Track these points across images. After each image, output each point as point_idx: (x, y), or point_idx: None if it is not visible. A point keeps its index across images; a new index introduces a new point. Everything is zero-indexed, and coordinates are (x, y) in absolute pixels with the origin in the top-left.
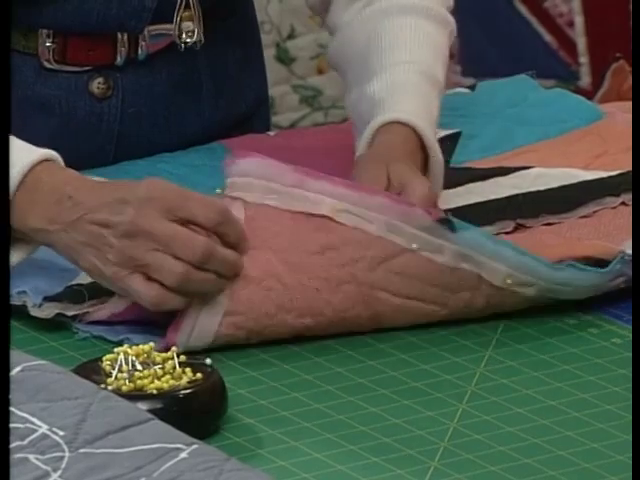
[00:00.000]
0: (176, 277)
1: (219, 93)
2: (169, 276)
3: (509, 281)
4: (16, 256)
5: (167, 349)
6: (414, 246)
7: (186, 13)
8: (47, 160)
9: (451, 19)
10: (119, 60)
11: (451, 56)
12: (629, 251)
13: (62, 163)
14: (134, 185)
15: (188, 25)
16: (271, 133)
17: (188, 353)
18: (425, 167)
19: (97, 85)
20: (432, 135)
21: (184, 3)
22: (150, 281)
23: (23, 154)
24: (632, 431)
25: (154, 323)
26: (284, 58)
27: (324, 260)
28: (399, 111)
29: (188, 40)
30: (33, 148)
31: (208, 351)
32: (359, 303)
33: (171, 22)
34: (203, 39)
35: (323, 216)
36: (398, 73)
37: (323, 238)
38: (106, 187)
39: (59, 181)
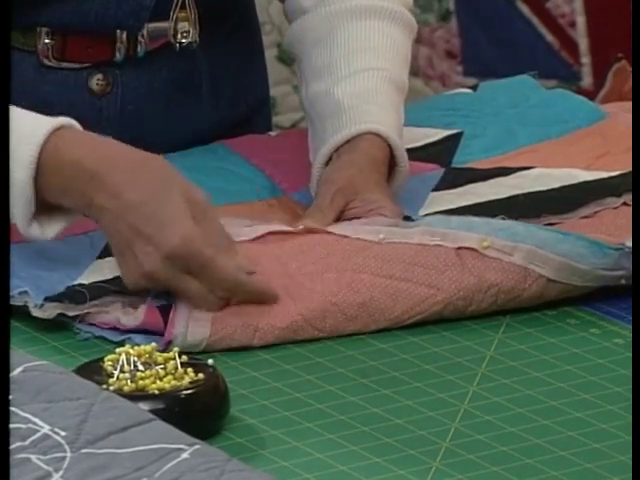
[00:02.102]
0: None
1: (219, 92)
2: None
3: (485, 244)
4: (55, 227)
5: (167, 344)
6: (381, 236)
7: (182, 14)
8: (60, 128)
9: (413, 21)
10: (118, 57)
11: (453, 56)
12: (629, 243)
13: (77, 126)
14: (164, 223)
15: (184, 25)
16: (272, 133)
17: (190, 353)
18: (389, 175)
19: (96, 82)
20: (401, 145)
21: (180, 3)
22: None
23: (33, 127)
24: (632, 431)
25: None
26: (285, 58)
27: (296, 261)
28: (373, 122)
29: (183, 40)
30: (43, 118)
31: (210, 352)
32: (344, 287)
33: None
34: (198, 40)
35: (281, 232)
36: (368, 79)
37: (287, 246)
38: (136, 186)
39: (79, 152)
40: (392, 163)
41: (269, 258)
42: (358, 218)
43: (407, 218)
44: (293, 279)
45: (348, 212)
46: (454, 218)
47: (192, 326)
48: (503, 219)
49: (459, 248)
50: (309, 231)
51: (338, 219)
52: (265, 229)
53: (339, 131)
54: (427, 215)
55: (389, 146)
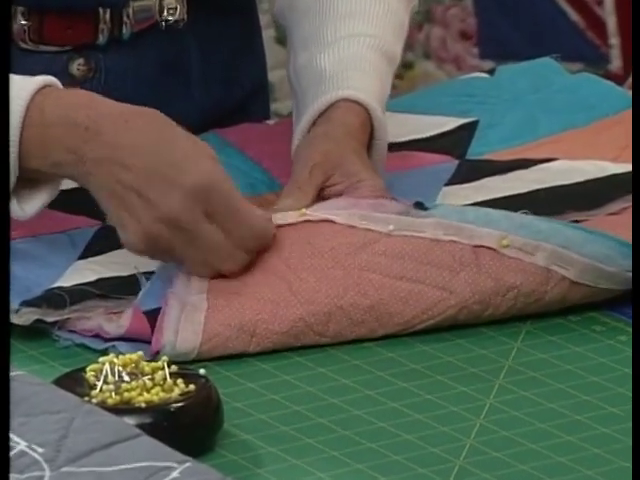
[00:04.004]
0: (204, 277)
1: (211, 77)
2: (197, 274)
3: (505, 242)
4: (36, 202)
5: (155, 353)
6: (390, 227)
7: None
8: (44, 87)
9: None
10: (101, 39)
11: (468, 37)
12: None
13: (60, 85)
14: (179, 161)
15: (170, 2)
16: (270, 122)
17: (180, 363)
18: (368, 148)
19: (77, 66)
20: (381, 116)
21: None
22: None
23: (15, 89)
24: (632, 434)
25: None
26: (284, 39)
27: (298, 253)
28: (350, 88)
29: (170, 18)
30: (24, 79)
31: (202, 361)
32: (351, 288)
33: None
34: (186, 18)
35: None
36: (353, 46)
37: (288, 239)
38: (135, 134)
39: (66, 108)
40: (370, 136)
41: (266, 255)
42: (339, 195)
43: (419, 205)
44: (296, 274)
45: (329, 189)
46: (470, 210)
47: (182, 333)
48: (526, 214)
49: (476, 246)
50: (309, 220)
51: (318, 196)
52: None
53: (316, 101)
54: (441, 205)
55: (369, 116)
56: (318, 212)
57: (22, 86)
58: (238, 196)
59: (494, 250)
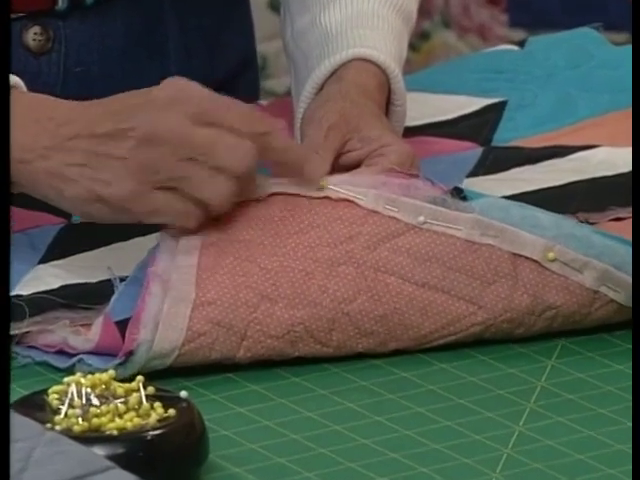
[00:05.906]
0: (226, 197)
1: (191, 49)
2: (217, 195)
3: (551, 255)
4: None
5: (127, 355)
6: (420, 219)
7: None
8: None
9: None
10: (60, 4)
11: (495, 1)
12: None
13: (24, 88)
14: (146, 90)
15: None
16: (263, 102)
17: (154, 376)
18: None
19: (33, 36)
20: (401, 78)
21: None
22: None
23: None
24: (632, 438)
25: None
26: (278, 6)
27: (310, 239)
28: (365, 46)
29: None
30: None
31: (180, 377)
32: (363, 292)
33: None
34: None
35: (297, 195)
36: (362, 1)
37: (302, 217)
38: (101, 101)
39: (31, 103)
40: (387, 100)
41: (274, 232)
42: (358, 163)
43: (458, 192)
44: (304, 265)
45: (347, 155)
46: (516, 207)
47: (163, 327)
48: (580, 222)
49: (515, 255)
50: (329, 197)
51: (334, 163)
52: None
53: (322, 62)
54: (483, 196)
55: (386, 78)
56: (341, 187)
57: None
58: (218, 95)
59: (536, 262)
